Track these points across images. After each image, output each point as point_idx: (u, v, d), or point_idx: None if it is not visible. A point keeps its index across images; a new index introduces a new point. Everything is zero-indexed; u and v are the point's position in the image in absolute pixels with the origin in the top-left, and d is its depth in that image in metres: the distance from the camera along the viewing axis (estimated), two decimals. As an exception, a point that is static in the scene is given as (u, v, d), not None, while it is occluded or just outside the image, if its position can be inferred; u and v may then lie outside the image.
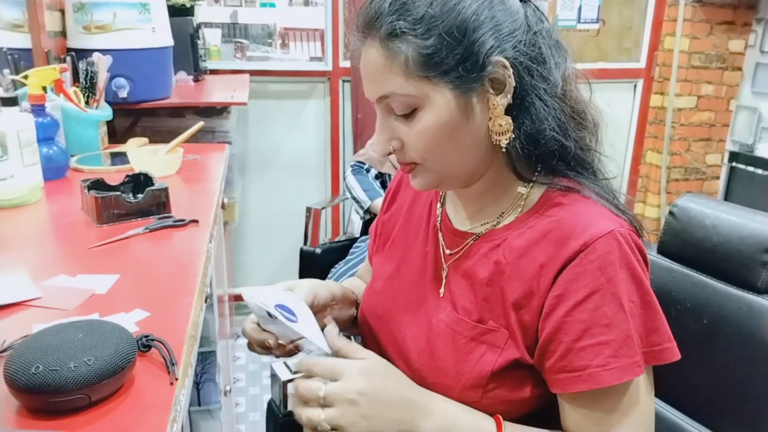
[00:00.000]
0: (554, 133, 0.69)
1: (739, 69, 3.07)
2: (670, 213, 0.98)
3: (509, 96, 0.67)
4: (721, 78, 3.07)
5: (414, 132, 0.68)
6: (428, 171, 0.72)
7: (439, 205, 0.83)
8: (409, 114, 0.68)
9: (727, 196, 2.91)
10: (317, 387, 0.66)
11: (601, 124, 0.79)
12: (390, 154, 0.72)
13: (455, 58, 0.65)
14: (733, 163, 2.89)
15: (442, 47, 0.65)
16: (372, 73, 0.68)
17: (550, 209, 0.71)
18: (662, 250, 0.99)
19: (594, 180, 0.76)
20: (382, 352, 0.81)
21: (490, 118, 0.68)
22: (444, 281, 0.78)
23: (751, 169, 2.82)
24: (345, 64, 2.68)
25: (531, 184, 0.74)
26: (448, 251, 0.79)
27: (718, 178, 3.20)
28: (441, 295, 0.78)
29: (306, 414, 0.66)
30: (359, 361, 0.68)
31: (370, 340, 0.86)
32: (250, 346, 0.80)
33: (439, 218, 0.82)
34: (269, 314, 0.71)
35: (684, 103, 3.08)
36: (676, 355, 0.69)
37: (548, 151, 0.70)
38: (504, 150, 0.70)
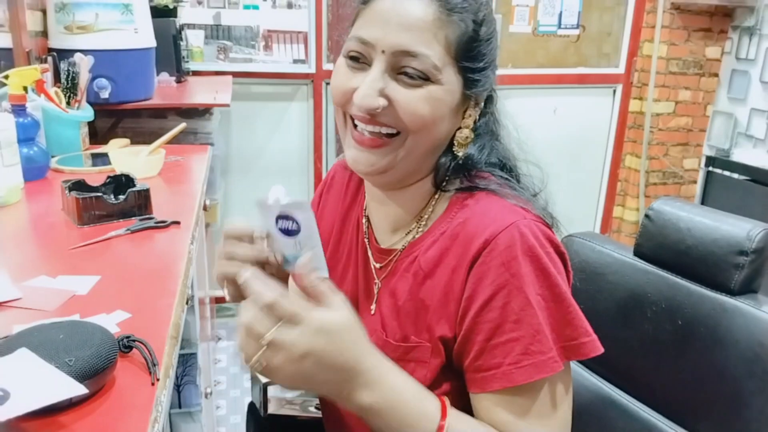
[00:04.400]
0: (495, 156, 0.73)
1: (716, 75, 3.13)
2: (646, 216, 1.00)
3: (476, 113, 0.72)
4: (698, 84, 3.13)
5: (416, 96, 0.65)
6: (393, 149, 0.68)
7: (365, 221, 0.82)
8: (417, 80, 0.65)
9: (704, 200, 2.97)
10: (266, 328, 0.56)
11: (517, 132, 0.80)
12: (374, 110, 0.66)
13: (483, 60, 0.69)
14: (710, 168, 2.95)
15: (483, 44, 0.68)
16: (412, 22, 0.64)
17: (458, 212, 0.71)
18: (638, 252, 1.01)
19: (501, 174, 0.75)
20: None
21: (459, 127, 0.71)
22: (375, 297, 0.77)
23: (727, 173, 2.87)
24: (328, 66, 2.68)
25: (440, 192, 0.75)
26: (378, 265, 0.78)
27: (695, 182, 3.26)
28: (372, 311, 0.77)
29: (244, 344, 0.57)
30: (324, 314, 0.58)
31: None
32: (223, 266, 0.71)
33: (366, 234, 0.81)
34: (279, 218, 0.65)
35: (662, 108, 3.13)
36: (597, 350, 0.67)
37: (476, 167, 0.73)
38: (440, 161, 0.72)
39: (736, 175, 2.83)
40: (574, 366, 1.07)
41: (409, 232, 0.76)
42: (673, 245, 0.95)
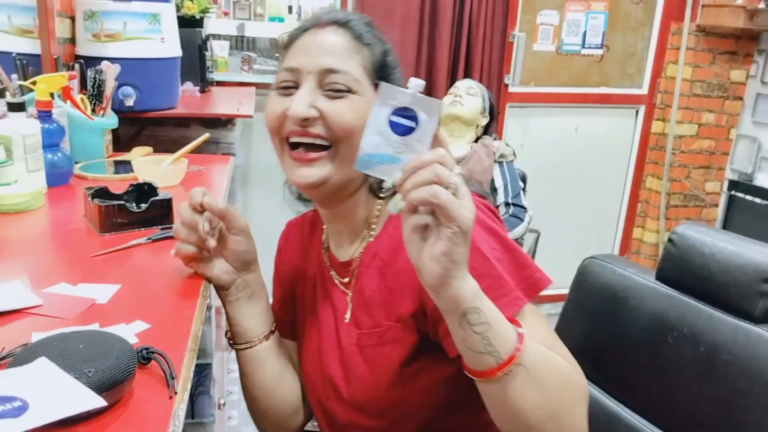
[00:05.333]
0: None
1: (740, 98, 3.10)
2: (670, 240, 0.98)
3: None
4: (722, 107, 3.10)
5: (341, 105, 0.76)
6: (328, 161, 0.77)
7: (324, 250, 0.91)
8: (340, 93, 0.76)
9: (726, 225, 2.93)
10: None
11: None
12: (305, 121, 0.75)
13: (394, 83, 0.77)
14: (733, 192, 2.91)
15: (391, 70, 0.81)
16: (330, 48, 0.77)
17: None
18: (661, 277, 0.99)
19: None
20: (327, 409, 0.88)
21: None
22: (349, 306, 0.85)
23: (750, 198, 2.83)
24: (350, 80, 2.70)
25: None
26: (345, 280, 0.86)
27: (717, 205, 3.21)
28: (347, 320, 0.85)
29: (436, 171, 0.59)
30: None
31: (318, 408, 0.91)
32: (176, 233, 0.82)
33: (327, 259, 0.90)
34: (399, 110, 0.64)
35: (685, 130, 3.10)
36: (549, 281, 0.75)
37: None
38: None
39: (758, 200, 2.78)
40: (593, 390, 1.05)
41: (363, 239, 0.85)
42: (697, 270, 0.93)
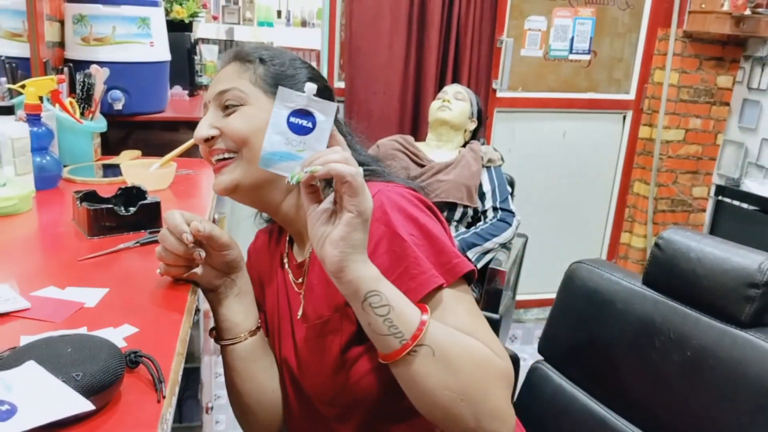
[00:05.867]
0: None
1: (727, 104, 3.13)
2: (656, 245, 0.99)
3: None
4: (709, 112, 3.13)
5: (234, 118, 0.84)
6: (235, 166, 0.84)
7: (286, 253, 0.95)
8: (232, 108, 0.84)
9: (713, 230, 2.95)
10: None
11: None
12: (207, 140, 0.84)
13: (295, 87, 0.82)
14: (720, 197, 2.94)
15: (287, 79, 0.87)
16: (222, 77, 0.87)
17: None
18: (647, 281, 1.00)
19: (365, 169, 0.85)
20: (297, 404, 0.91)
21: None
22: (302, 304, 0.89)
23: (737, 203, 2.86)
24: (340, 84, 2.70)
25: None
26: (299, 280, 0.90)
27: (704, 210, 3.25)
28: (299, 316, 0.89)
29: (345, 167, 0.65)
30: None
31: (286, 411, 0.95)
32: (162, 258, 0.85)
33: (286, 262, 0.94)
34: (297, 112, 0.71)
35: (672, 135, 3.13)
36: (467, 267, 0.78)
37: None
38: None
39: (745, 205, 2.81)
40: (580, 395, 1.06)
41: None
42: (683, 275, 0.94)
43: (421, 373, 0.69)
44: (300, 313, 0.89)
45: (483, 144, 2.31)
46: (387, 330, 0.68)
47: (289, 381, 0.92)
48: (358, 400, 0.83)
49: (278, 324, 0.93)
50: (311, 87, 0.71)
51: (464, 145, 2.28)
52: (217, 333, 0.91)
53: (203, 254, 0.84)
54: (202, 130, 0.85)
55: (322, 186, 0.72)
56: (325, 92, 0.87)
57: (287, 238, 0.96)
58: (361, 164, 0.79)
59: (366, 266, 0.68)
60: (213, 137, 0.85)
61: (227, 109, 0.85)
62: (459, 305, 0.76)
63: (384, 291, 0.68)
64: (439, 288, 0.75)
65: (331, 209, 0.69)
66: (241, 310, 0.90)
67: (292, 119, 0.71)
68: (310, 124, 0.71)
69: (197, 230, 0.81)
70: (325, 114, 0.71)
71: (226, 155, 0.85)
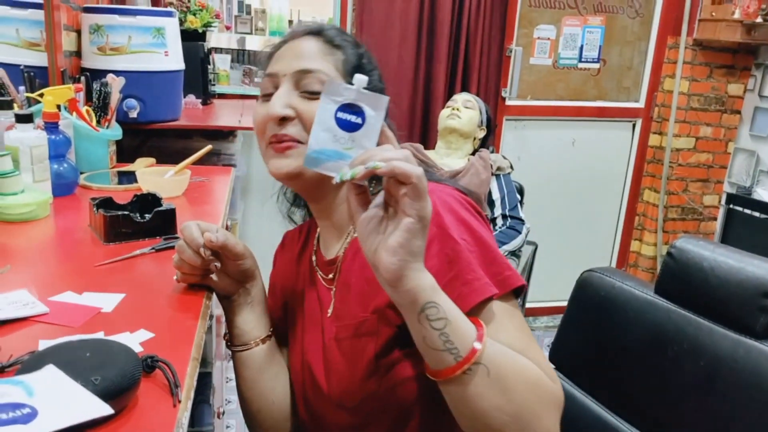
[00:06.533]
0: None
1: (738, 112, 3.12)
2: (668, 254, 0.99)
3: None
4: (720, 120, 3.12)
5: (315, 105, 0.76)
6: (303, 151, 0.77)
7: (314, 252, 0.93)
8: (315, 94, 0.79)
9: (725, 238, 2.94)
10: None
11: None
12: (281, 119, 0.79)
13: (371, 84, 0.80)
14: (731, 205, 2.92)
15: (368, 72, 0.83)
16: (305, 53, 0.82)
17: None
18: (659, 291, 1.00)
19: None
20: (312, 410, 0.88)
21: None
22: (332, 300, 0.86)
23: (748, 211, 2.85)
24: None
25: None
26: (329, 276, 0.88)
27: (715, 219, 3.23)
28: (329, 314, 0.86)
29: (409, 166, 0.59)
30: None
31: (303, 409, 0.91)
32: (179, 266, 0.84)
33: (315, 260, 0.92)
34: (345, 106, 0.65)
35: (682, 143, 3.12)
36: (519, 281, 0.74)
37: None
38: None
39: (757, 214, 2.80)
40: (591, 403, 1.05)
41: (348, 234, 0.86)
42: (697, 285, 0.94)
43: (474, 393, 0.64)
44: (330, 310, 0.86)
45: (492, 152, 2.32)
46: (442, 345, 0.63)
47: (311, 384, 0.87)
48: (387, 408, 0.79)
49: (303, 323, 0.91)
50: (361, 79, 0.65)
51: (473, 153, 2.28)
52: (229, 338, 0.92)
53: (219, 265, 0.85)
54: (278, 107, 0.79)
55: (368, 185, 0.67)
56: (376, 84, 0.83)
57: (315, 238, 0.94)
58: None
59: (424, 275, 0.63)
60: (287, 118, 0.80)
61: (307, 92, 0.80)
62: (510, 321, 0.73)
63: (441, 303, 0.63)
64: (490, 299, 0.71)
65: (382, 213, 0.63)
66: (252, 318, 0.90)
67: (339, 114, 0.65)
68: (359, 120, 0.65)
69: (210, 240, 0.80)
70: (375, 109, 0.65)
71: (292, 143, 0.80)
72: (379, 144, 0.65)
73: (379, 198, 0.64)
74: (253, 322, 0.90)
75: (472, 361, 0.63)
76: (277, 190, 1.01)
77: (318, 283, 0.90)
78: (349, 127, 0.65)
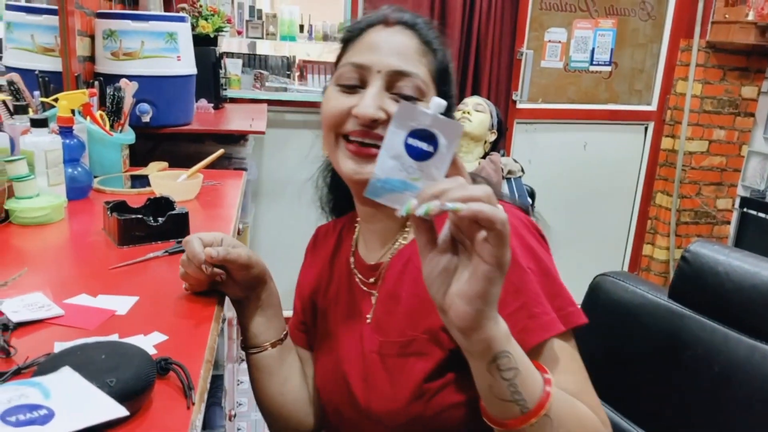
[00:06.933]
0: None
1: (752, 115, 3.10)
2: (683, 258, 0.98)
3: None
4: (734, 123, 3.10)
5: None
6: None
7: (351, 252, 0.90)
8: (409, 99, 0.74)
9: (738, 242, 2.91)
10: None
11: None
12: (372, 122, 0.74)
13: (452, 90, 0.81)
14: (745, 209, 2.89)
15: (452, 77, 0.80)
16: (403, 50, 0.75)
17: None
18: (673, 295, 0.99)
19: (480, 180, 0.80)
20: (342, 417, 0.86)
21: None
22: (373, 307, 0.83)
23: (762, 215, 2.82)
24: (361, 96, 2.73)
25: None
26: (370, 280, 0.85)
27: (728, 222, 3.20)
28: (368, 320, 0.83)
29: (475, 191, 0.53)
30: None
31: (333, 416, 0.89)
32: (185, 277, 0.83)
33: (353, 261, 0.89)
34: (416, 132, 0.58)
35: (695, 147, 3.10)
36: (582, 318, 0.71)
37: None
38: None
39: (771, 217, 2.77)
40: (606, 410, 1.05)
41: (396, 242, 0.84)
42: (711, 289, 0.93)
43: None
44: (370, 317, 0.83)
45: (503, 155, 2.31)
46: (510, 396, 0.59)
47: (345, 393, 0.84)
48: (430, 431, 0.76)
49: (338, 327, 0.89)
50: (439, 104, 0.59)
51: (484, 157, 2.28)
52: (242, 341, 0.93)
53: (224, 276, 0.84)
54: (371, 109, 0.73)
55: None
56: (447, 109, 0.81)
57: (352, 238, 0.91)
58: None
59: (498, 324, 0.58)
60: (378, 121, 0.74)
61: (399, 95, 0.74)
62: (572, 362, 0.70)
63: (513, 351, 0.59)
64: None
65: (450, 252, 0.57)
66: (262, 321, 0.90)
67: (410, 141, 0.58)
68: (431, 149, 0.58)
69: (210, 256, 0.78)
70: (449, 137, 0.58)
71: (378, 143, 0.71)
72: (447, 176, 0.58)
73: (446, 231, 0.58)
74: (263, 325, 0.90)
75: (539, 415, 0.60)
76: (316, 173, 0.97)
77: (355, 287, 0.88)
78: (419, 156, 0.58)
